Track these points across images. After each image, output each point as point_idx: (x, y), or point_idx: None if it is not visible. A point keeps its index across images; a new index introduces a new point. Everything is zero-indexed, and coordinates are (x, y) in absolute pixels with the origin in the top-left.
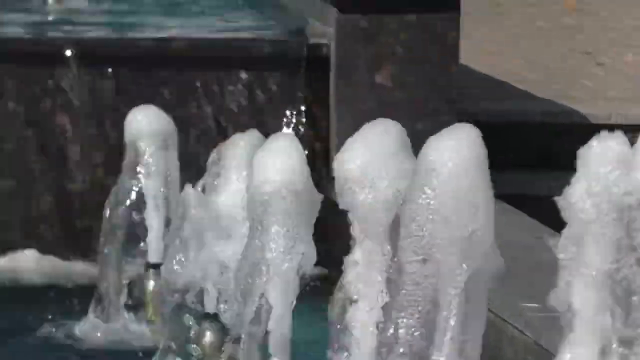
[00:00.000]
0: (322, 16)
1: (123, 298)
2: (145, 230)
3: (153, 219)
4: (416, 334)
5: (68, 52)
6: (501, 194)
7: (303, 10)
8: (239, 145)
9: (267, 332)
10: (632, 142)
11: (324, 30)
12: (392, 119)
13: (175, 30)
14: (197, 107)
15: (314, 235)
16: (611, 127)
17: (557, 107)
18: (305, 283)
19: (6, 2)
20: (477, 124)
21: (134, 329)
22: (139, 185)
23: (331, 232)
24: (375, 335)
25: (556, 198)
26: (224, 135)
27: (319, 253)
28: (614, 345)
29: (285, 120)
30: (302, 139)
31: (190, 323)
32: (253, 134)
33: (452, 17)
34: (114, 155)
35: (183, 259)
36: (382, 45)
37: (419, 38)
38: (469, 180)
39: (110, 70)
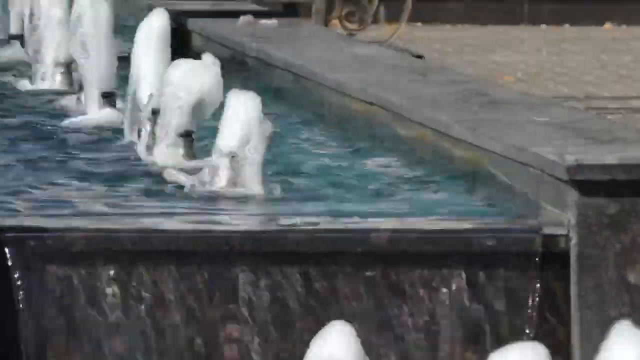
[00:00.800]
0: (558, 200)
1: None
2: None
3: None
4: None
5: (242, 248)
6: None
7: (533, 192)
8: None
9: None
10: None
11: (560, 217)
12: None
13: (376, 220)
14: (404, 313)
15: None
16: None
17: None
18: None
19: (171, 195)
20: None
21: None
22: None
23: None
24: None
25: None
26: (437, 351)
27: None
28: None
29: (512, 329)
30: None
31: None
32: None
33: None
34: None
35: None
36: (636, 236)
37: None
38: None
39: (295, 269)
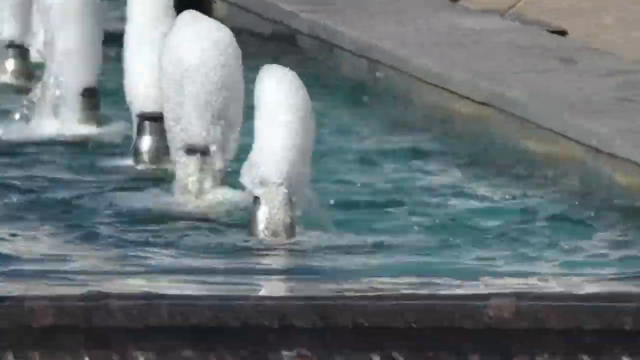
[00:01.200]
0: None
1: None
2: None
3: None
4: None
5: (290, 323)
6: None
7: None
8: None
9: None
10: None
11: None
12: None
13: (495, 281)
14: None
15: None
16: None
17: None
18: None
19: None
20: None
21: None
22: None
23: None
24: None
25: None
26: None
27: None
28: None
29: None
30: None
31: None
32: None
33: None
34: None
35: None
36: None
37: None
38: None
39: (385, 348)
